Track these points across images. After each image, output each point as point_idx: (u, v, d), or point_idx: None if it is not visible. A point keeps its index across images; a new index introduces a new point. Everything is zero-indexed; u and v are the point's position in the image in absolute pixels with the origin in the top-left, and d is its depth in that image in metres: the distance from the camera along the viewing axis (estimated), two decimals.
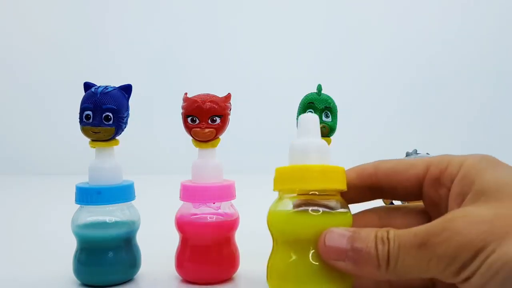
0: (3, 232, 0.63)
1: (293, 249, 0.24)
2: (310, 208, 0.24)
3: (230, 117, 0.40)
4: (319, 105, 0.37)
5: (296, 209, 0.25)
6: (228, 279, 0.40)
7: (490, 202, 0.21)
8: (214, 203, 0.39)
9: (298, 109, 0.38)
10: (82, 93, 0.39)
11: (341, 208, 0.25)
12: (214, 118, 0.38)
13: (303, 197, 0.25)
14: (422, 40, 1.33)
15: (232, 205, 0.41)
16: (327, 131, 0.37)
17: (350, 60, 1.33)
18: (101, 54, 1.34)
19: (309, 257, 0.24)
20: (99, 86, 0.38)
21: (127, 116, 0.39)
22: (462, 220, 0.20)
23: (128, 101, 0.39)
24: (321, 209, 0.24)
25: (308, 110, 0.37)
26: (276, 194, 0.27)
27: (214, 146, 0.39)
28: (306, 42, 1.34)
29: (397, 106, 1.28)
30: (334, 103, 0.38)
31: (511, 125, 1.31)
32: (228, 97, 0.40)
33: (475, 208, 0.21)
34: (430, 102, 1.30)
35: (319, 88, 0.38)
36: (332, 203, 0.25)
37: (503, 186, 0.21)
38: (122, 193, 0.39)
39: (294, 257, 0.24)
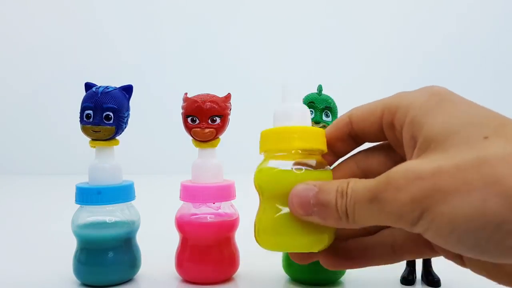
0: (3, 232, 0.63)
1: (278, 204, 0.26)
2: (294, 167, 0.25)
3: (230, 117, 0.40)
4: (319, 104, 0.37)
5: (280, 168, 0.26)
6: (228, 279, 0.40)
7: (437, 152, 0.20)
8: (214, 203, 0.39)
9: None
10: (82, 93, 0.39)
11: (321, 166, 0.26)
12: (214, 118, 0.38)
13: (285, 158, 0.26)
14: (421, 37, 1.33)
15: (232, 205, 0.41)
16: None
17: (350, 59, 1.33)
18: (101, 54, 1.34)
19: (289, 211, 0.25)
20: (100, 86, 0.38)
21: (128, 116, 0.39)
22: (404, 176, 0.20)
23: (128, 101, 0.39)
24: (303, 168, 0.25)
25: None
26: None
27: (214, 146, 0.39)
28: (306, 42, 1.34)
29: None
30: (334, 103, 0.38)
31: None
32: (228, 97, 0.40)
33: (418, 162, 0.21)
34: None
35: (320, 88, 0.38)
36: (313, 162, 0.26)
37: (451, 134, 0.21)
38: (122, 193, 0.39)
39: (278, 213, 0.25)
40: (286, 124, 0.27)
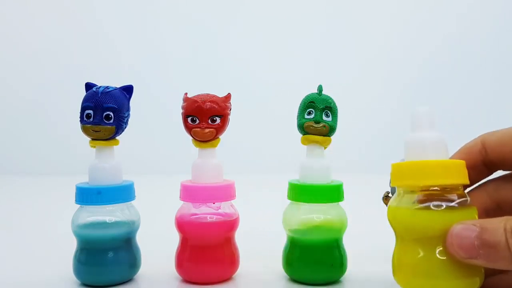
0: (3, 232, 0.63)
1: (420, 245, 0.24)
2: (432, 204, 0.24)
3: (230, 117, 0.40)
4: (319, 104, 0.37)
5: (418, 206, 0.24)
6: (228, 279, 0.40)
7: None
8: (214, 203, 0.39)
9: (299, 109, 0.38)
10: (82, 93, 0.39)
11: (464, 202, 0.25)
12: (214, 118, 0.38)
13: (424, 193, 0.24)
14: (421, 39, 1.33)
15: (232, 205, 0.41)
16: (327, 131, 0.37)
17: (350, 59, 1.33)
18: (101, 54, 1.34)
19: (436, 253, 0.24)
20: (100, 86, 0.38)
21: (128, 116, 0.39)
22: None
23: (129, 101, 0.39)
24: (444, 204, 0.24)
25: (308, 110, 0.37)
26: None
27: (214, 146, 0.39)
28: (306, 42, 1.34)
29: (397, 106, 1.28)
30: (334, 103, 0.38)
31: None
32: (228, 97, 0.40)
33: None
34: (431, 101, 1.30)
35: (320, 88, 0.38)
36: (455, 197, 0.24)
37: None
38: (122, 193, 0.39)
39: (422, 253, 0.24)
40: (423, 157, 0.24)
